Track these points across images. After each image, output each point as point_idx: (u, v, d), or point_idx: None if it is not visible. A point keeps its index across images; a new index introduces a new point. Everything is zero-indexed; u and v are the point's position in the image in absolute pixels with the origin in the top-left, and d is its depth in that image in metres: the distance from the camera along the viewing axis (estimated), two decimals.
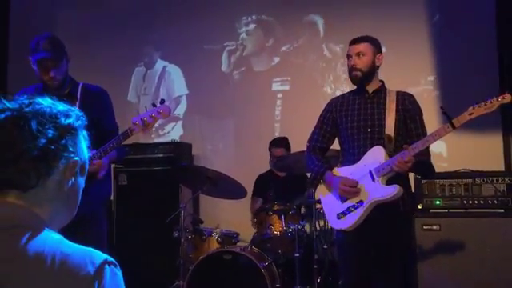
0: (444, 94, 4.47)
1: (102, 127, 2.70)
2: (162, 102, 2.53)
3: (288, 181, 4.28)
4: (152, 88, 5.22)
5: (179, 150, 4.57)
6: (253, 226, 3.91)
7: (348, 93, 2.87)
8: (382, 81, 2.80)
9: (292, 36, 4.99)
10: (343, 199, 2.62)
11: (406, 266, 3.42)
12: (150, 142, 4.63)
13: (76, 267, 0.95)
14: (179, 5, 5.21)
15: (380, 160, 2.58)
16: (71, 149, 1.04)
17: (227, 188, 3.77)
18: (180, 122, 5.13)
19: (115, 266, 1.00)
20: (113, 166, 4.31)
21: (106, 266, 0.97)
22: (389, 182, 2.57)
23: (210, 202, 4.76)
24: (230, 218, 4.70)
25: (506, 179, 3.46)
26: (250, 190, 4.47)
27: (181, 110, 5.16)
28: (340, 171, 2.70)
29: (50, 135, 1.00)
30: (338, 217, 2.60)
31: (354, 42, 2.74)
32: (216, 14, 5.10)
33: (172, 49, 5.23)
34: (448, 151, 4.10)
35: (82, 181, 1.10)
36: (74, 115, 1.06)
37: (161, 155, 4.53)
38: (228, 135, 5.05)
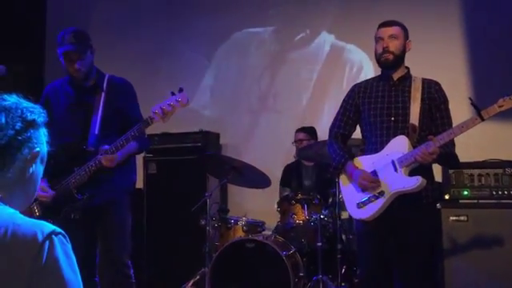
0: (475, 84, 4.35)
1: (127, 118, 2.79)
2: (181, 90, 2.56)
3: (315, 170, 4.28)
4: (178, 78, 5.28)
5: (207, 140, 4.63)
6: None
7: (372, 79, 2.80)
8: (407, 67, 2.74)
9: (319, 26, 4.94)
10: (364, 189, 2.60)
11: (431, 260, 3.40)
12: (180, 131, 4.69)
13: (26, 236, 1.04)
14: None
15: (403, 150, 2.54)
16: (34, 140, 1.17)
17: (251, 177, 3.80)
18: (208, 112, 5.17)
19: (64, 236, 1.08)
20: (142, 155, 4.43)
21: (53, 236, 1.06)
22: (411, 173, 2.53)
23: (238, 192, 4.81)
24: (258, 208, 4.73)
25: None
26: (277, 179, 4.51)
27: (208, 99, 5.20)
28: (362, 160, 2.67)
29: (17, 127, 1.13)
30: (358, 206, 2.58)
31: (386, 24, 2.68)
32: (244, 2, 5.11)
33: (199, 40, 5.27)
34: (478, 140, 3.98)
35: (41, 169, 1.22)
36: (37, 112, 1.19)
37: (189, 144, 4.59)
38: (256, 125, 5.06)
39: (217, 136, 4.87)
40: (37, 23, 5.48)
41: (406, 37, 2.70)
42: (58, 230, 1.08)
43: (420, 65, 3.93)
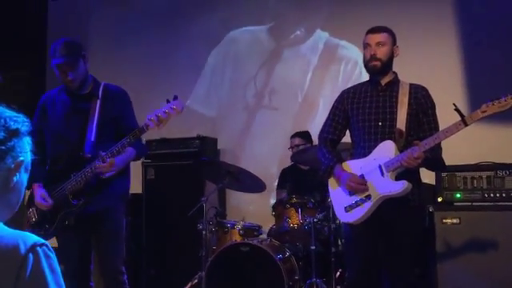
0: (469, 88, 4.37)
1: (122, 125, 2.83)
2: (176, 98, 2.60)
3: (311, 174, 4.31)
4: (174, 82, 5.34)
5: (204, 145, 4.68)
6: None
7: (360, 84, 2.84)
8: (395, 72, 2.77)
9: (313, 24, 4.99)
10: (351, 193, 2.63)
11: (418, 261, 3.43)
12: (177, 136, 4.75)
13: (8, 248, 1.03)
14: None
15: (390, 155, 2.58)
16: (18, 149, 1.16)
17: (247, 182, 3.85)
18: (206, 118, 5.23)
19: (47, 247, 1.07)
20: (141, 160, 4.50)
21: (38, 247, 1.05)
22: (398, 177, 2.57)
23: (237, 196, 4.87)
24: (256, 212, 4.79)
25: None
26: (274, 183, 4.56)
27: (207, 105, 5.26)
28: (350, 164, 2.71)
29: (0, 137, 1.12)
30: (346, 210, 2.62)
31: (373, 31, 2.70)
32: None
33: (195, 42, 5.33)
34: (470, 143, 4.01)
35: (25, 178, 1.21)
36: (20, 121, 1.17)
37: (186, 150, 4.65)
38: (253, 129, 5.11)
39: (214, 141, 4.93)
40: (38, 29, 5.58)
41: (394, 42, 2.73)
42: (42, 240, 1.07)
43: (413, 67, 4.04)
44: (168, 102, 2.60)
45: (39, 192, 2.77)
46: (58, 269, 1.08)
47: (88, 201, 2.74)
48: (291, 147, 4.35)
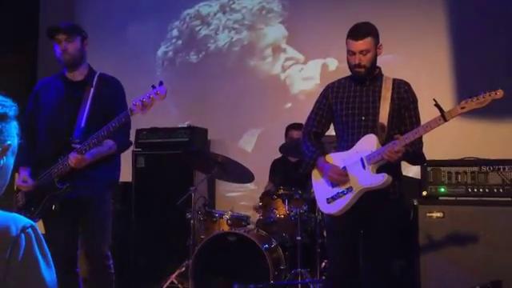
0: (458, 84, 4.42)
1: (114, 115, 2.80)
2: (161, 83, 2.64)
3: (299, 166, 4.34)
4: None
5: (194, 135, 4.71)
6: (255, 210, 4.03)
7: (344, 78, 2.85)
8: (378, 67, 2.78)
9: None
10: (334, 184, 2.68)
11: (407, 255, 3.48)
12: (167, 126, 4.78)
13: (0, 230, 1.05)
14: None
15: (372, 148, 2.62)
16: (5, 133, 1.17)
17: (235, 172, 3.89)
18: (198, 107, 5.26)
19: (37, 229, 1.10)
20: (131, 149, 4.51)
21: (29, 229, 1.08)
22: (379, 170, 2.61)
23: (226, 186, 4.92)
24: (245, 202, 4.84)
25: None
26: (264, 175, 4.59)
27: (195, 94, 5.29)
28: (333, 157, 2.75)
29: None
30: (328, 201, 2.66)
31: (356, 37, 2.63)
32: None
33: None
34: (455, 138, 4.06)
35: (11, 161, 1.22)
36: (8, 105, 1.18)
37: (177, 139, 4.68)
38: (244, 120, 5.14)
39: (204, 131, 4.96)
40: (30, 16, 5.57)
41: (377, 42, 2.70)
42: (31, 222, 1.10)
43: (403, 65, 4.07)
44: (153, 87, 2.63)
45: (21, 174, 2.82)
46: (48, 250, 1.10)
47: (73, 185, 2.76)
48: (290, 139, 4.32)
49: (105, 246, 2.90)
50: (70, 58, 2.83)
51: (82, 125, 2.79)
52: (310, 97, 4.57)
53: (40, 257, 1.06)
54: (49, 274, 1.07)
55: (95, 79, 2.90)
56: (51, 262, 1.09)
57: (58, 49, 2.83)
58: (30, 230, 1.08)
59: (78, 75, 2.90)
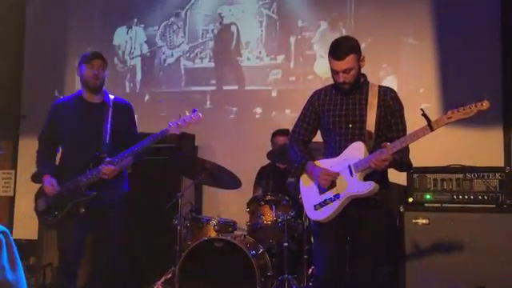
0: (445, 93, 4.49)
1: (128, 134, 3.29)
2: (195, 111, 3.11)
3: (288, 173, 4.35)
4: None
5: (182, 141, 4.69)
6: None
7: (330, 86, 2.87)
8: (364, 75, 2.81)
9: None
10: (321, 191, 2.69)
11: (393, 261, 3.51)
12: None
13: None
14: None
15: (359, 156, 2.64)
16: None
17: (223, 178, 3.89)
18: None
19: (8, 235, 1.14)
20: None
21: (1, 235, 1.12)
22: (366, 178, 2.63)
23: (214, 192, 4.89)
24: (233, 208, 4.82)
25: (497, 175, 3.47)
26: (252, 181, 4.59)
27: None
28: (321, 163, 2.76)
29: None
30: (315, 208, 2.68)
31: (338, 57, 2.64)
32: None
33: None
34: (441, 146, 4.10)
35: None
36: None
37: (164, 145, 4.63)
38: (232, 127, 5.14)
39: (192, 137, 4.94)
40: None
41: (359, 56, 2.71)
42: (3, 228, 1.13)
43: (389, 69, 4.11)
44: (188, 114, 3.11)
45: (48, 180, 3.13)
46: (18, 256, 1.15)
47: (100, 194, 3.08)
48: (278, 145, 4.32)
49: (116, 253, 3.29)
50: (100, 83, 3.23)
51: (107, 141, 3.17)
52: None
53: (6, 263, 1.10)
54: (14, 278, 1.11)
55: (110, 101, 3.28)
56: (19, 266, 1.13)
57: (88, 71, 3.19)
58: (1, 235, 1.11)
59: (96, 98, 3.26)
